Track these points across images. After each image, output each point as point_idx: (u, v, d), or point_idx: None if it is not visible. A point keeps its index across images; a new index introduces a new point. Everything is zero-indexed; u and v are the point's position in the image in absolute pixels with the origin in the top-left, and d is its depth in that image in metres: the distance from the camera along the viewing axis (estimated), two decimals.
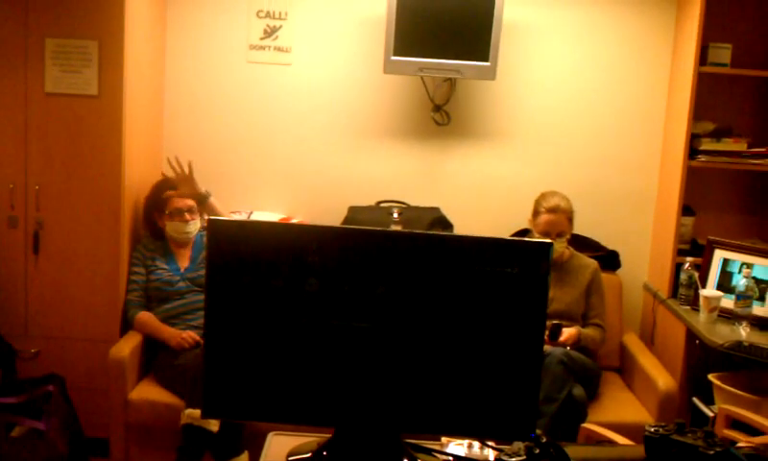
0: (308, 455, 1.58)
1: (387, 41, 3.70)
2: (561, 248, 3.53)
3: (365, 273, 1.46)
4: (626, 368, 3.78)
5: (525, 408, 1.51)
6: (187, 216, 3.54)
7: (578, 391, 3.23)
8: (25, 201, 3.44)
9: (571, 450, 1.43)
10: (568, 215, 3.54)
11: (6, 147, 3.41)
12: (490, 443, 1.66)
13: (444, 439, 1.73)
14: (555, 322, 3.39)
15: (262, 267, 1.46)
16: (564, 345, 3.35)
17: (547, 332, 3.35)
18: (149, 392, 3.36)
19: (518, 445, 1.53)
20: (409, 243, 1.48)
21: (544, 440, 1.51)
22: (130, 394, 3.32)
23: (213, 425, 3.15)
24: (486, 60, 3.72)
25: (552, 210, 3.49)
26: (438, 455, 1.67)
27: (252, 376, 1.50)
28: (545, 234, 3.48)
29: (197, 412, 3.13)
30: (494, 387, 1.50)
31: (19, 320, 3.49)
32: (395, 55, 3.71)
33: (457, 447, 1.69)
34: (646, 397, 3.46)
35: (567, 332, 3.39)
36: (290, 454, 1.60)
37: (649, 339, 3.88)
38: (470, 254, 1.47)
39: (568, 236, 3.57)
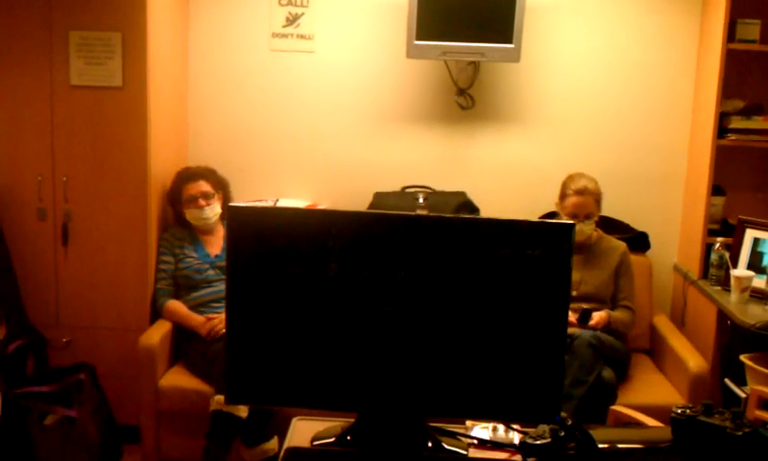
0: (332, 440, 1.58)
1: (409, 26, 3.68)
2: (588, 230, 3.50)
3: (385, 257, 1.46)
4: (656, 350, 3.74)
5: (550, 391, 1.50)
6: (202, 202, 3.57)
7: (607, 373, 3.20)
8: (53, 193, 3.48)
9: (597, 433, 1.41)
10: (596, 197, 3.50)
11: (33, 140, 3.45)
12: (514, 426, 1.65)
13: (468, 422, 1.72)
14: (584, 306, 3.36)
15: (282, 253, 1.46)
16: (594, 329, 3.32)
17: (577, 316, 3.32)
18: (179, 379, 3.39)
19: (543, 427, 1.51)
20: (429, 227, 1.47)
21: (570, 422, 1.50)
22: (160, 381, 3.35)
23: (242, 411, 3.17)
24: (510, 42, 3.68)
25: (580, 192, 3.46)
26: (462, 439, 1.66)
27: (275, 362, 1.51)
28: (573, 216, 3.45)
29: None
30: (518, 370, 1.49)
31: (50, 310, 3.54)
32: (417, 39, 3.68)
33: (482, 430, 1.68)
34: (677, 378, 3.42)
35: (597, 316, 3.36)
36: (314, 439, 1.60)
37: (680, 320, 3.84)
38: (492, 237, 1.46)
39: (596, 218, 3.53)
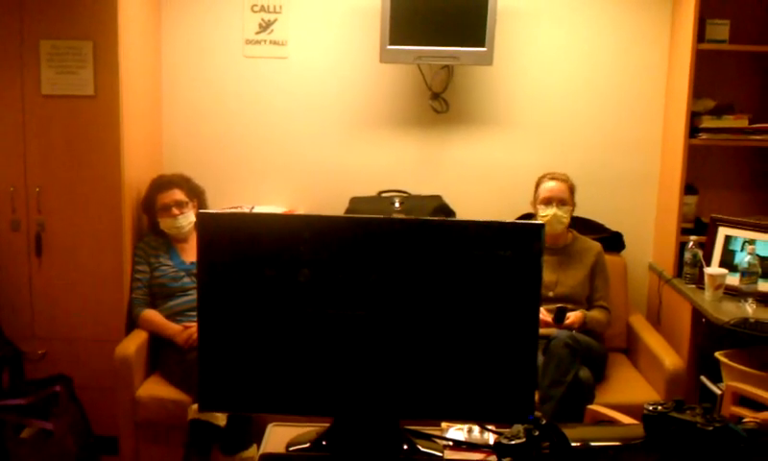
0: (307, 445, 1.58)
1: (382, 30, 3.69)
2: (564, 218, 3.52)
3: (357, 261, 1.46)
4: (633, 349, 3.77)
5: (523, 390, 1.50)
6: (175, 210, 3.56)
7: (584, 373, 3.22)
8: (26, 203, 3.45)
9: (571, 432, 1.42)
10: (570, 185, 3.56)
11: (5, 150, 3.42)
12: (489, 426, 1.66)
13: (443, 424, 1.73)
14: (560, 305, 3.38)
15: (254, 258, 1.46)
16: (569, 328, 3.34)
17: (552, 316, 3.34)
18: (156, 389, 3.36)
19: (518, 427, 1.52)
20: (400, 229, 1.47)
21: (544, 422, 1.51)
22: (137, 391, 3.32)
23: (220, 420, 3.15)
24: (482, 45, 3.70)
25: (554, 178, 3.52)
26: (438, 441, 1.67)
27: (248, 368, 1.50)
28: (548, 202, 3.48)
29: None
30: (491, 370, 1.50)
31: (25, 322, 3.51)
32: (390, 44, 3.69)
33: (457, 431, 1.69)
34: (654, 377, 3.44)
35: (573, 316, 3.38)
36: (289, 444, 1.60)
37: (655, 319, 3.87)
38: (462, 239, 1.46)
39: (571, 210, 3.56)
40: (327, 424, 1.60)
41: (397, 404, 1.54)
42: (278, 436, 1.67)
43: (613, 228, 3.97)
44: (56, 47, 3.34)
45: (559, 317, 3.34)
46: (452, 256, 1.46)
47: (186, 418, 3.18)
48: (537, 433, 1.50)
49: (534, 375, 1.49)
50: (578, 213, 3.73)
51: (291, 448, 1.60)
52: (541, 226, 1.49)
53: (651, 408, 1.42)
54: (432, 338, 1.50)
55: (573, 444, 1.42)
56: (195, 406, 3.15)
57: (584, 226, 3.84)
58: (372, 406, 1.54)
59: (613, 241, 3.93)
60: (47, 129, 3.41)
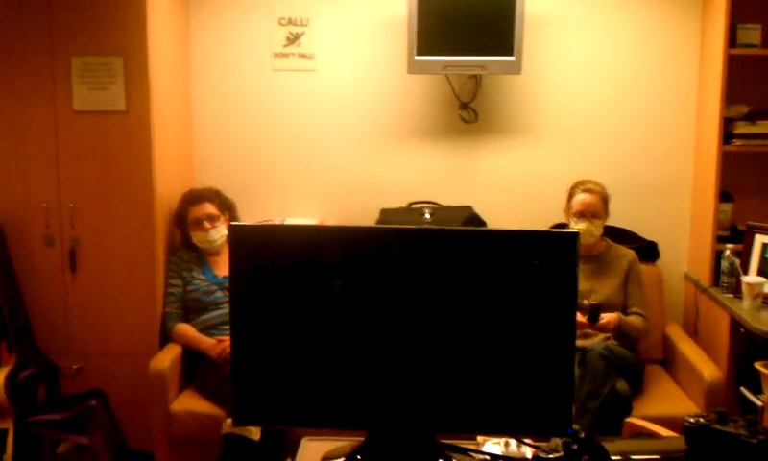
0: (342, 459, 1.57)
1: (410, 41, 3.68)
2: (597, 231, 3.48)
3: (389, 271, 1.44)
4: (670, 360, 3.70)
5: (561, 403, 1.47)
6: (207, 224, 3.57)
7: (621, 385, 3.16)
8: (60, 219, 3.49)
9: (610, 445, 1.39)
10: (603, 197, 3.50)
11: (38, 166, 3.46)
12: (526, 440, 1.63)
13: (479, 438, 1.70)
14: (594, 302, 3.30)
15: (285, 271, 1.45)
16: (603, 328, 3.29)
17: (587, 316, 3.28)
18: (190, 403, 3.37)
19: (556, 441, 1.49)
20: (432, 239, 1.45)
21: (582, 435, 1.48)
22: (171, 405, 3.33)
23: (254, 434, 3.15)
24: (510, 54, 3.68)
25: (587, 190, 3.48)
26: (474, 455, 1.64)
27: (281, 381, 1.49)
28: (580, 215, 3.45)
29: None
30: (528, 383, 1.47)
31: (60, 337, 3.54)
32: (418, 54, 3.69)
33: (493, 445, 1.66)
34: (692, 388, 3.38)
35: (608, 316, 3.32)
36: (324, 459, 1.59)
37: (692, 329, 3.80)
38: (495, 248, 1.44)
39: (604, 221, 3.51)
40: (362, 438, 1.59)
41: (433, 418, 1.52)
42: (312, 450, 1.66)
43: (648, 237, 3.92)
44: (87, 63, 3.38)
45: (593, 316, 3.28)
46: (485, 266, 1.44)
47: (220, 432, 3.17)
48: (575, 447, 1.47)
49: (571, 386, 1.46)
50: (611, 222, 3.68)
51: None
52: (576, 234, 1.47)
53: (692, 420, 1.38)
54: (467, 350, 1.48)
55: (613, 457, 1.39)
56: (229, 420, 3.15)
57: (617, 235, 3.79)
58: (406, 420, 1.52)
59: (648, 250, 3.87)
60: (79, 144, 3.45)
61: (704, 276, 3.70)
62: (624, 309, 3.51)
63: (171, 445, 3.34)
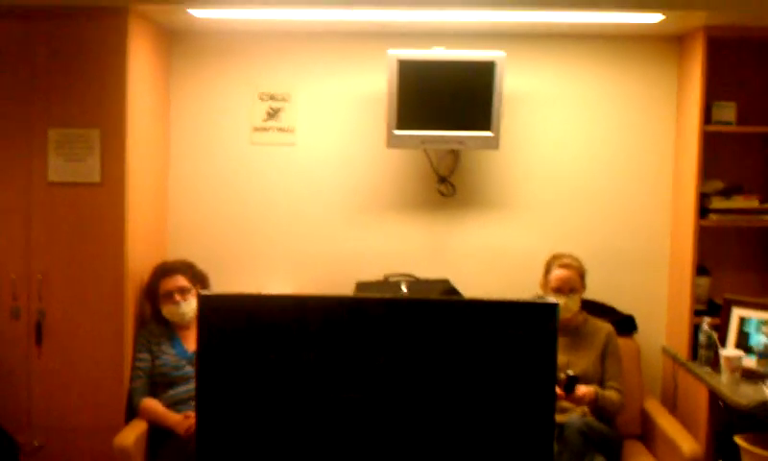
0: None
1: (389, 116, 3.71)
2: (574, 306, 3.47)
3: (364, 342, 1.40)
4: (648, 434, 3.64)
5: None
6: (177, 297, 3.51)
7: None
8: (27, 291, 3.40)
9: None
10: (580, 271, 3.50)
11: (8, 237, 3.40)
12: None
13: None
14: (570, 373, 3.25)
15: (256, 341, 1.40)
16: (580, 401, 3.24)
17: (563, 386, 3.22)
18: None
19: None
20: (409, 309, 1.42)
21: None
22: None
23: None
24: (488, 130, 3.71)
25: (564, 266, 3.48)
26: None
27: (250, 457, 1.42)
28: (557, 291, 3.45)
29: None
30: (507, 452, 1.41)
31: (22, 412, 3.41)
32: (397, 129, 3.71)
33: None
34: None
35: (585, 389, 3.27)
36: None
37: (671, 403, 3.76)
38: (474, 318, 1.41)
39: (581, 294, 3.51)
40: None
41: None
42: None
43: (625, 310, 3.90)
44: (64, 135, 3.36)
45: (569, 387, 3.23)
46: (463, 337, 1.40)
47: None
48: None
49: (551, 454, 1.41)
50: (588, 295, 3.67)
51: None
52: (555, 305, 1.44)
53: None
54: (444, 422, 1.42)
55: None
56: None
57: (594, 309, 3.77)
58: None
59: (625, 324, 3.85)
60: (52, 216, 3.39)
61: (682, 349, 3.68)
62: (601, 383, 3.47)
63: None
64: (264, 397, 1.42)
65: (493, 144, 3.74)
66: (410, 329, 1.41)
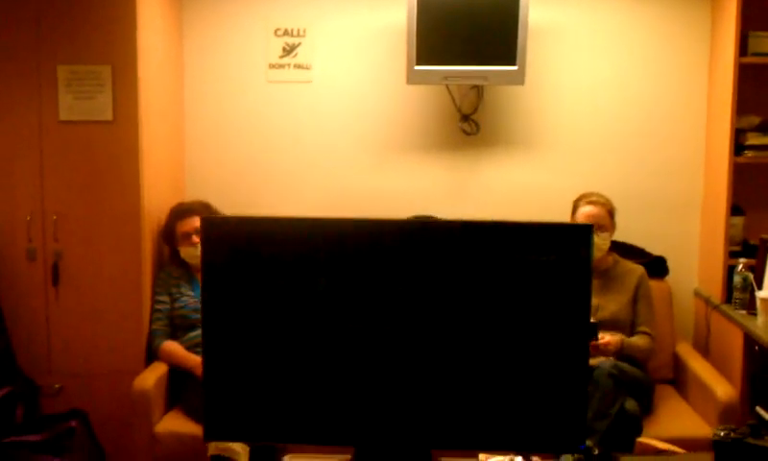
0: None
1: (409, 51, 3.57)
2: (603, 245, 3.35)
3: (381, 269, 1.30)
4: (681, 379, 3.54)
5: (573, 415, 1.32)
6: (195, 238, 3.43)
7: (631, 405, 3.01)
8: (43, 232, 3.35)
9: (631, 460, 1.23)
10: (609, 209, 3.38)
11: (22, 177, 3.34)
12: (534, 458, 1.47)
13: (481, 456, 1.54)
14: (591, 320, 3.13)
15: (264, 267, 1.30)
16: (604, 351, 3.13)
17: None
18: (176, 424, 3.22)
19: (567, 458, 1.33)
20: (430, 233, 1.31)
21: (596, 452, 1.32)
22: (156, 427, 3.18)
23: (242, 457, 2.98)
24: (513, 63, 3.56)
25: (592, 202, 3.36)
26: None
27: (259, 391, 1.34)
28: None
29: (225, 443, 2.98)
30: (536, 392, 1.31)
31: (41, 355, 3.39)
32: (418, 64, 3.57)
33: None
34: (705, 408, 3.22)
35: (609, 337, 3.16)
36: None
37: (704, 348, 3.65)
38: (501, 242, 1.29)
39: (611, 235, 3.38)
40: (348, 456, 1.43)
41: (429, 432, 1.36)
42: None
43: (656, 252, 3.77)
44: (74, 72, 3.27)
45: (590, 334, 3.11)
46: (489, 263, 1.29)
47: (207, 454, 3.01)
48: None
49: (585, 396, 1.31)
50: (617, 237, 3.55)
51: None
52: (590, 227, 1.32)
53: (723, 434, 1.23)
54: (467, 355, 1.32)
55: None
56: (216, 442, 2.99)
57: (624, 251, 3.66)
58: (399, 434, 1.36)
59: (656, 266, 3.73)
60: (65, 155, 3.32)
61: (715, 292, 3.56)
62: (632, 327, 3.37)
63: None
64: (272, 326, 1.33)
65: (518, 79, 3.59)
66: (430, 255, 1.30)
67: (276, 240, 1.32)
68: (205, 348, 1.36)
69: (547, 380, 1.32)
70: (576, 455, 1.32)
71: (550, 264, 1.28)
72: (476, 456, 1.53)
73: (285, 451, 2.97)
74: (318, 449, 1.49)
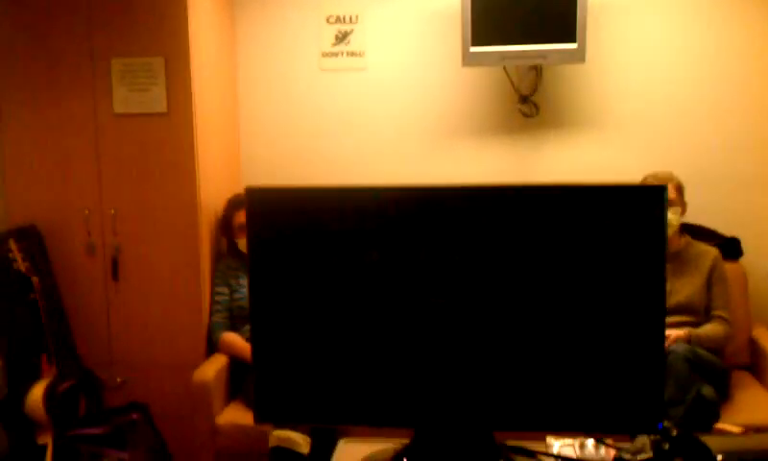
0: None
1: (464, 32, 3.46)
2: (674, 220, 3.20)
3: (438, 238, 1.21)
4: (759, 365, 3.36)
5: (649, 392, 1.21)
6: None
7: (707, 391, 2.87)
8: (101, 226, 3.37)
9: (713, 441, 1.12)
10: (677, 185, 3.23)
11: (78, 172, 3.36)
12: (606, 440, 1.36)
13: (548, 438, 1.44)
14: None
15: (313, 241, 1.23)
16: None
17: None
18: (237, 416, 3.21)
19: (643, 440, 1.23)
20: (490, 198, 1.22)
21: (675, 433, 1.21)
22: (217, 418, 3.18)
23: (303, 447, 2.95)
24: (573, 41, 3.42)
25: (657, 178, 3.20)
26: (543, 458, 1.38)
27: (310, 372, 1.27)
28: None
29: (286, 433, 2.96)
30: (608, 368, 1.21)
31: (103, 348, 3.42)
32: (473, 45, 3.46)
33: (566, 447, 1.40)
34: None
35: (674, 334, 3.01)
36: None
37: None
38: (569, 206, 1.19)
39: (680, 210, 3.22)
40: (407, 440, 1.35)
41: (491, 413, 1.27)
42: (350, 453, 1.43)
43: (728, 233, 3.59)
44: (127, 65, 3.27)
45: None
46: (556, 228, 1.19)
47: (268, 446, 2.99)
48: (667, 446, 1.20)
49: (662, 371, 1.20)
50: (688, 219, 3.40)
51: None
52: (664, 188, 1.21)
53: None
54: (534, 330, 1.22)
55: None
56: (276, 433, 2.98)
57: (696, 233, 3.49)
58: (460, 415, 1.27)
59: (730, 247, 3.54)
60: (120, 148, 3.33)
61: None
62: (707, 312, 3.20)
63: (217, 460, 3.16)
64: (323, 302, 1.26)
65: (579, 57, 3.45)
66: (492, 222, 1.21)
67: (325, 210, 1.25)
68: (254, 326, 1.29)
69: (621, 355, 1.22)
70: (653, 436, 1.21)
71: (622, 229, 1.18)
72: (542, 438, 1.43)
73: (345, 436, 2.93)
74: (376, 432, 1.41)
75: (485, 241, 1.22)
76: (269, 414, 1.31)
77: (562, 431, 1.26)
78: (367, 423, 1.29)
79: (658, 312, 1.20)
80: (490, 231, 1.22)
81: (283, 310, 1.27)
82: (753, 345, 3.42)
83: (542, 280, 1.22)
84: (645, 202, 1.19)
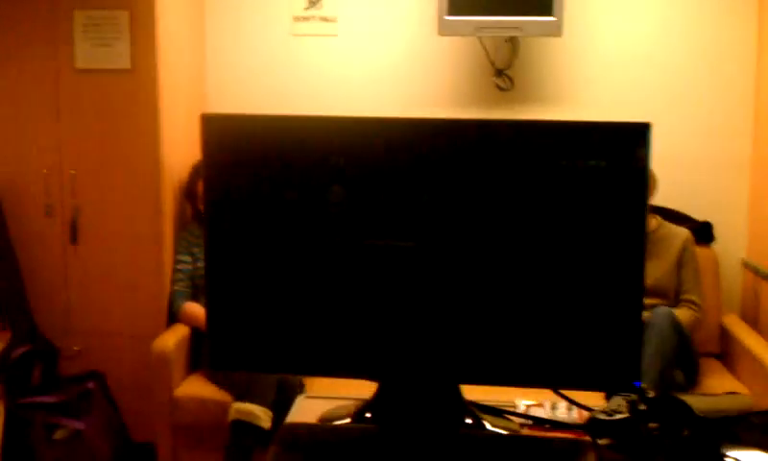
0: (348, 420, 1.25)
1: (440, 0, 3.38)
2: None
3: (405, 176, 1.13)
4: (729, 353, 3.35)
5: (625, 348, 1.14)
6: None
7: (678, 376, 2.82)
8: (60, 187, 3.25)
9: (694, 400, 1.06)
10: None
11: (38, 130, 3.23)
12: (579, 401, 1.29)
13: (517, 400, 1.37)
14: None
15: (272, 175, 1.14)
16: None
17: None
18: (196, 388, 3.13)
19: (618, 401, 1.16)
20: (459, 134, 1.14)
21: (652, 394, 1.15)
22: (176, 391, 3.09)
23: (264, 421, 2.88)
24: (550, 14, 3.36)
25: None
26: (511, 417, 1.31)
27: (268, 317, 1.18)
28: None
29: (246, 406, 2.88)
30: (582, 320, 1.14)
31: (60, 315, 3.29)
32: (449, 14, 3.39)
33: (537, 408, 1.33)
34: (755, 383, 3.03)
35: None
36: (322, 419, 1.27)
37: (752, 320, 3.44)
38: (542, 145, 1.12)
39: (652, 189, 3.17)
40: (366, 398, 1.27)
41: (458, 365, 1.19)
42: (308, 409, 1.35)
43: (701, 218, 3.56)
44: (90, 17, 3.14)
45: None
46: (528, 169, 1.12)
47: (227, 419, 2.90)
48: (643, 407, 1.14)
49: (639, 324, 1.13)
50: (660, 202, 3.38)
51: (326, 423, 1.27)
52: (647, 125, 1.14)
53: None
54: (503, 277, 1.15)
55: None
56: (236, 405, 2.90)
57: (667, 216, 3.46)
58: (425, 367, 1.20)
59: (702, 232, 3.52)
60: (82, 106, 3.20)
61: (764, 260, 3.36)
62: (676, 295, 3.17)
63: (174, 433, 3.11)
64: (282, 242, 1.17)
65: (556, 30, 3.39)
66: (461, 159, 1.13)
67: (284, 143, 1.16)
68: (208, 269, 1.20)
69: (595, 307, 1.15)
70: (627, 396, 1.15)
71: (600, 170, 1.10)
72: (512, 394, 1.36)
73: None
74: (337, 390, 1.33)
75: (456, 182, 1.14)
76: (225, 360, 1.22)
77: (530, 385, 1.19)
78: (327, 373, 1.20)
79: (636, 263, 1.14)
80: (461, 172, 1.14)
81: (239, 248, 1.18)
82: (723, 333, 3.40)
83: (513, 226, 1.15)
84: (627, 141, 1.12)
